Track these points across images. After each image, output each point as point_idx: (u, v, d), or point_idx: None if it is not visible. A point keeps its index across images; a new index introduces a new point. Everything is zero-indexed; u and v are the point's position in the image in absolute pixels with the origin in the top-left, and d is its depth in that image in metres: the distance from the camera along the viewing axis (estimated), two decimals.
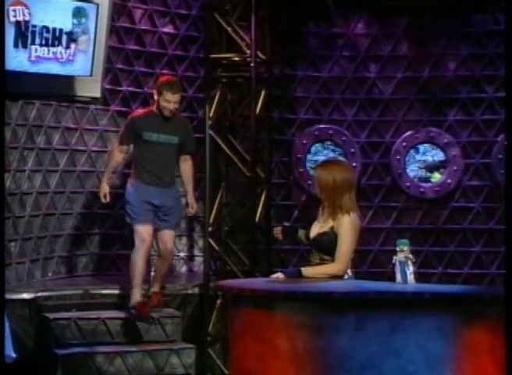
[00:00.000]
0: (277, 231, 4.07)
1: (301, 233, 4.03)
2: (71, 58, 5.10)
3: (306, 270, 3.85)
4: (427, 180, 6.44)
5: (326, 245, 3.89)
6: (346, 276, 3.88)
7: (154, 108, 5.15)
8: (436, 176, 6.40)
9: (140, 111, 5.30)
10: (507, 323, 3.07)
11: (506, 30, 3.38)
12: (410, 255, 3.74)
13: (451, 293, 3.58)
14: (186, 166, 5.27)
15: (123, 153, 5.21)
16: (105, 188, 5.12)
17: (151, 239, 5.07)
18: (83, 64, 5.14)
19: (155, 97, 5.10)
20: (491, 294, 3.69)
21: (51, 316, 4.96)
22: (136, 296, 4.94)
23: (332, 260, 3.86)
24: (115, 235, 6.15)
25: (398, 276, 3.72)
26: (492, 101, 6.36)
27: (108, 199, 5.14)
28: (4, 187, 5.15)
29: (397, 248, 3.76)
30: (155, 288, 5.14)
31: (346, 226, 3.85)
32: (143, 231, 4.98)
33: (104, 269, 6.05)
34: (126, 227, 6.19)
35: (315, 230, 3.96)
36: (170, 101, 5.02)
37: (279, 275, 3.86)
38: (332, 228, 3.89)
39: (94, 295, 5.23)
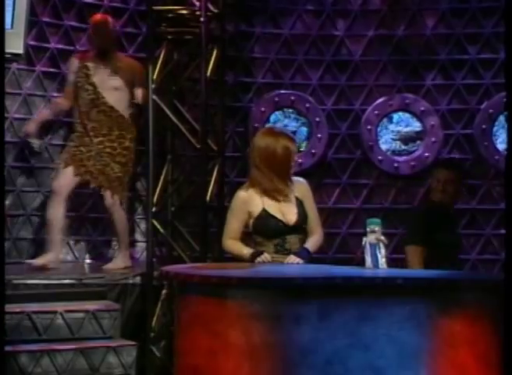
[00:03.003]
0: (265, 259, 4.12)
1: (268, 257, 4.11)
2: None
3: (311, 248, 4.12)
4: (400, 153, 6.53)
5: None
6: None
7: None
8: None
9: None
10: (506, 319, 3.13)
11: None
12: (382, 237, 3.80)
13: (426, 278, 3.64)
14: None
15: None
16: None
17: None
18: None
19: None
20: (470, 279, 3.77)
21: None
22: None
23: (306, 235, 4.11)
24: (43, 217, 6.09)
25: (368, 260, 3.77)
26: (474, 63, 6.44)
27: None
28: (4, 186, 5.07)
29: (367, 229, 3.81)
30: None
31: (309, 190, 4.18)
32: None
33: (30, 256, 5.99)
34: None
35: (288, 214, 4.07)
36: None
37: (293, 258, 4.03)
38: (297, 199, 4.11)
39: (17, 286, 5.18)
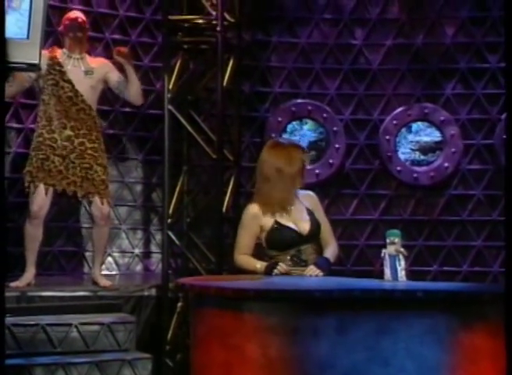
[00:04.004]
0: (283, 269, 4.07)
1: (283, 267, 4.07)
2: None
3: (331, 258, 4.11)
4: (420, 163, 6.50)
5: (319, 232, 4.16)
6: None
7: None
8: None
9: None
10: (507, 325, 3.11)
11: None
12: (402, 249, 3.79)
13: (447, 291, 3.62)
14: None
15: None
16: None
17: None
18: (17, 25, 5.09)
19: None
20: (492, 292, 3.74)
21: None
22: None
23: (319, 246, 4.09)
24: (58, 228, 6.11)
25: (387, 273, 3.76)
26: (495, 72, 6.42)
27: None
28: (4, 189, 5.10)
29: (387, 240, 3.81)
30: None
31: (319, 202, 4.21)
32: None
33: (44, 268, 6.02)
34: (70, 219, 6.19)
35: (301, 223, 4.06)
36: None
37: (313, 270, 4.00)
38: (308, 210, 4.10)
39: (31, 298, 5.21)
